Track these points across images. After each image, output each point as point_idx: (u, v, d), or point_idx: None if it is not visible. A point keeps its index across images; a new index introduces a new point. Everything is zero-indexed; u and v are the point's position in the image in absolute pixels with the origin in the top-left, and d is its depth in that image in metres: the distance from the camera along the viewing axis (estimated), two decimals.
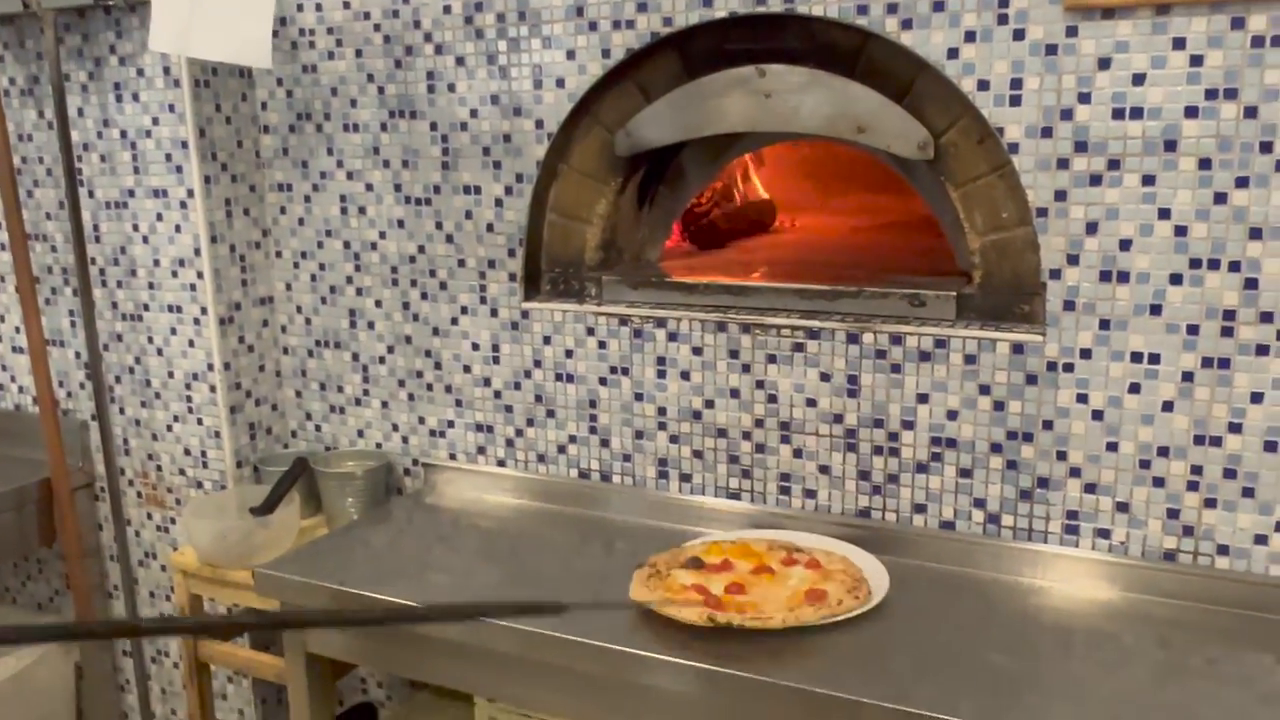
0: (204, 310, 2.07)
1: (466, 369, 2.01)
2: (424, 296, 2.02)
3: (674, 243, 2.31)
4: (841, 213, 2.86)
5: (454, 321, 2.00)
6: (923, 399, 1.64)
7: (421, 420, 2.08)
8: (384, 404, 2.11)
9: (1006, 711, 1.21)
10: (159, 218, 2.10)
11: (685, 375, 1.80)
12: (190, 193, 2.04)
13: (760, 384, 1.75)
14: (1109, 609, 1.49)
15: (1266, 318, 1.45)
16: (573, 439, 1.91)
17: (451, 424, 2.05)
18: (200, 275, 2.05)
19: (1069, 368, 1.55)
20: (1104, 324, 1.52)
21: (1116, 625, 1.44)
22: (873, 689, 1.26)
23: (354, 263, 2.08)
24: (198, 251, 2.05)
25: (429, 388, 2.05)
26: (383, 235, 2.04)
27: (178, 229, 2.08)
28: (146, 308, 2.15)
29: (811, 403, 1.72)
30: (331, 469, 2.01)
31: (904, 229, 2.48)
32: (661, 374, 1.82)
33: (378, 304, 2.08)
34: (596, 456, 1.90)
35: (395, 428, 2.11)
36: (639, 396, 1.84)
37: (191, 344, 2.11)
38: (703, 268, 1.99)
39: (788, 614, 1.38)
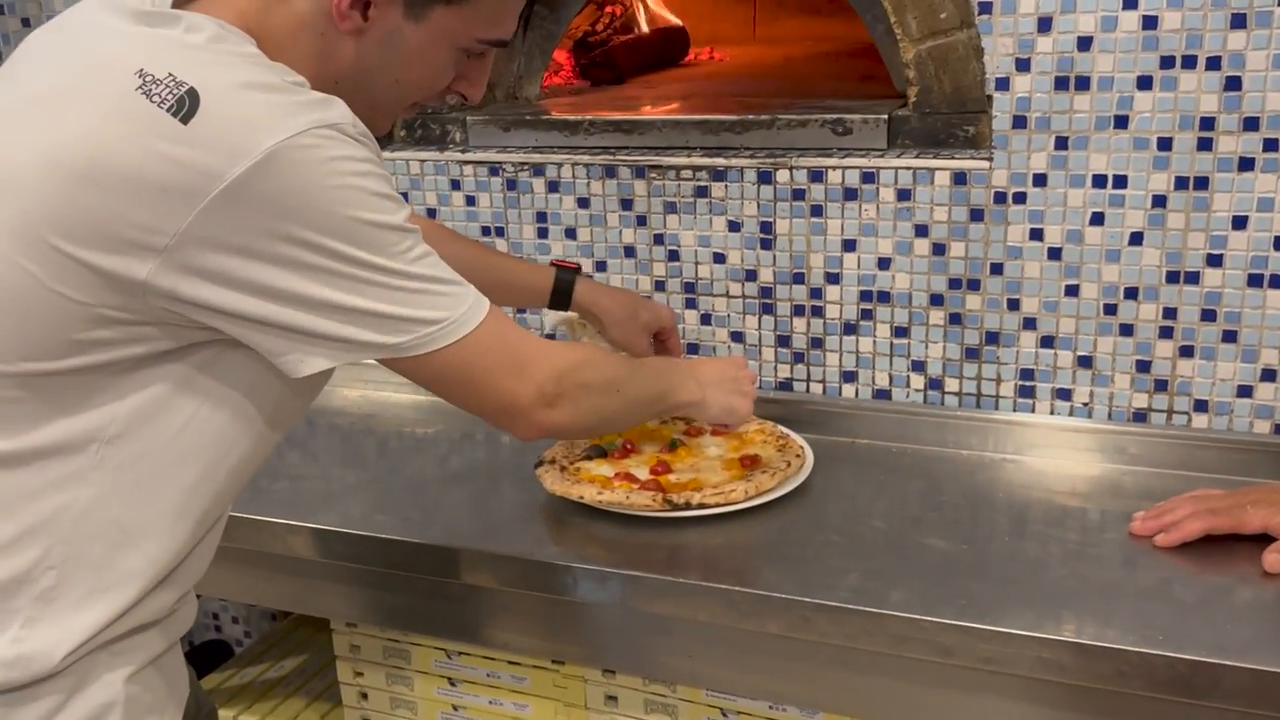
0: None
1: None
2: None
3: (566, 79, 2.12)
4: (773, 42, 2.67)
5: None
6: (849, 246, 1.55)
7: None
8: None
9: (943, 601, 1.13)
10: None
11: (571, 233, 1.69)
12: None
13: (659, 239, 1.64)
14: (1071, 482, 1.43)
15: (1251, 124, 1.34)
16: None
17: None
18: None
19: (1020, 198, 1.46)
20: (1060, 142, 1.42)
21: (1080, 501, 1.38)
22: (788, 581, 1.18)
23: None
24: None
25: None
26: None
27: None
28: None
29: (719, 258, 1.62)
30: None
31: (845, 57, 2.30)
32: (543, 233, 1.71)
33: None
34: None
35: None
36: None
37: None
38: (592, 105, 1.85)
39: (748, 485, 1.30)
